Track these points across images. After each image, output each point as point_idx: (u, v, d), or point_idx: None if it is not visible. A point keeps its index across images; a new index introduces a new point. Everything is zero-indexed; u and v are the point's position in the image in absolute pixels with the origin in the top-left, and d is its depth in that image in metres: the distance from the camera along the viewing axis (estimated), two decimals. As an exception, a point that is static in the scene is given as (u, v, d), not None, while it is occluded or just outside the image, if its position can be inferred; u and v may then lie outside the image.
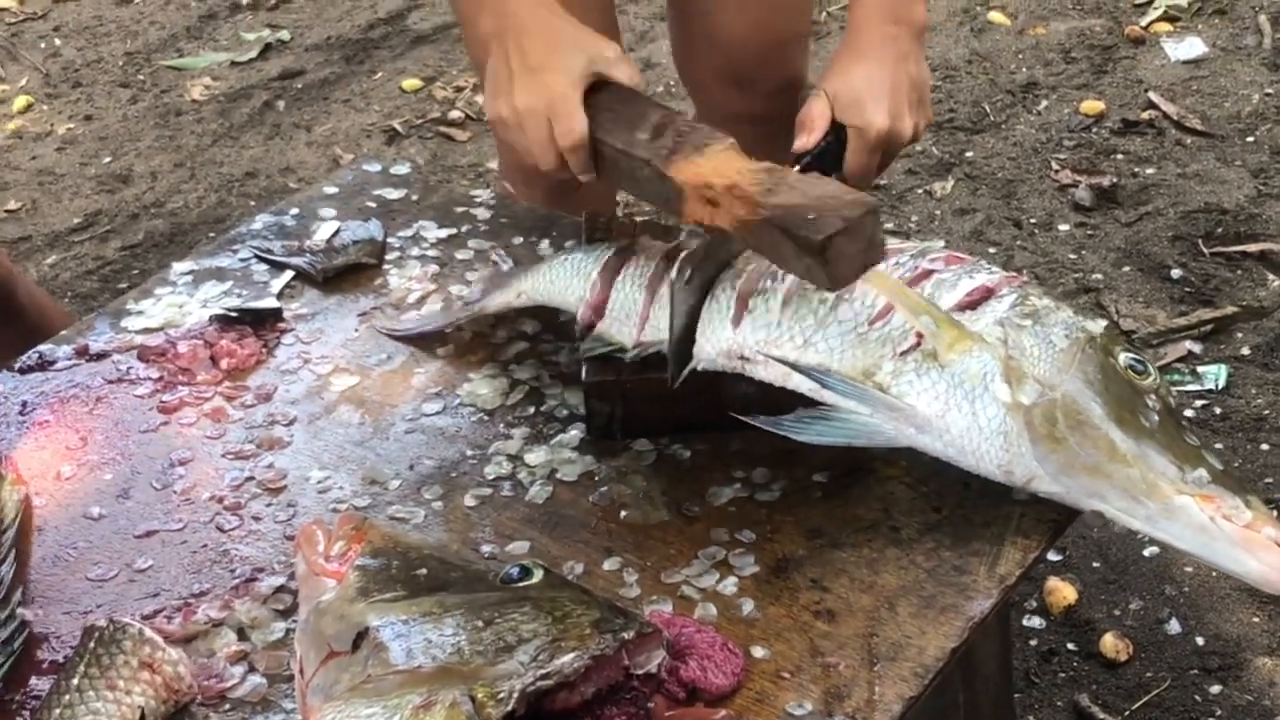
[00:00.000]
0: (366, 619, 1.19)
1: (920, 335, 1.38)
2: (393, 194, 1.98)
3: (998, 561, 1.34)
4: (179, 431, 1.60)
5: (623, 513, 1.45)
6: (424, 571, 1.27)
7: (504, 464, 1.52)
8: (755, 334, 1.44)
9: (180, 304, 1.78)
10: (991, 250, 2.99)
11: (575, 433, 1.54)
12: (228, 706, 1.28)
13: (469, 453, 1.54)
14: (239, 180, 3.60)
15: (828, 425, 1.39)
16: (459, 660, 1.14)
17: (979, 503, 1.39)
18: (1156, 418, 1.36)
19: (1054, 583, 2.24)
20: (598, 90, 1.54)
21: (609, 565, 1.39)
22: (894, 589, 1.32)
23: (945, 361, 1.37)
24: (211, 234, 3.29)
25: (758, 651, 1.27)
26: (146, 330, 1.75)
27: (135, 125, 3.91)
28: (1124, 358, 1.39)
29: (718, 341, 1.46)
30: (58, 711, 1.24)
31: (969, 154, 3.33)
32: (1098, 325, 1.41)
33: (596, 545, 1.41)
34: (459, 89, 3.87)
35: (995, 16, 3.85)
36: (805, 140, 1.60)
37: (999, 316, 1.40)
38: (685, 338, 1.47)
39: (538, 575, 1.25)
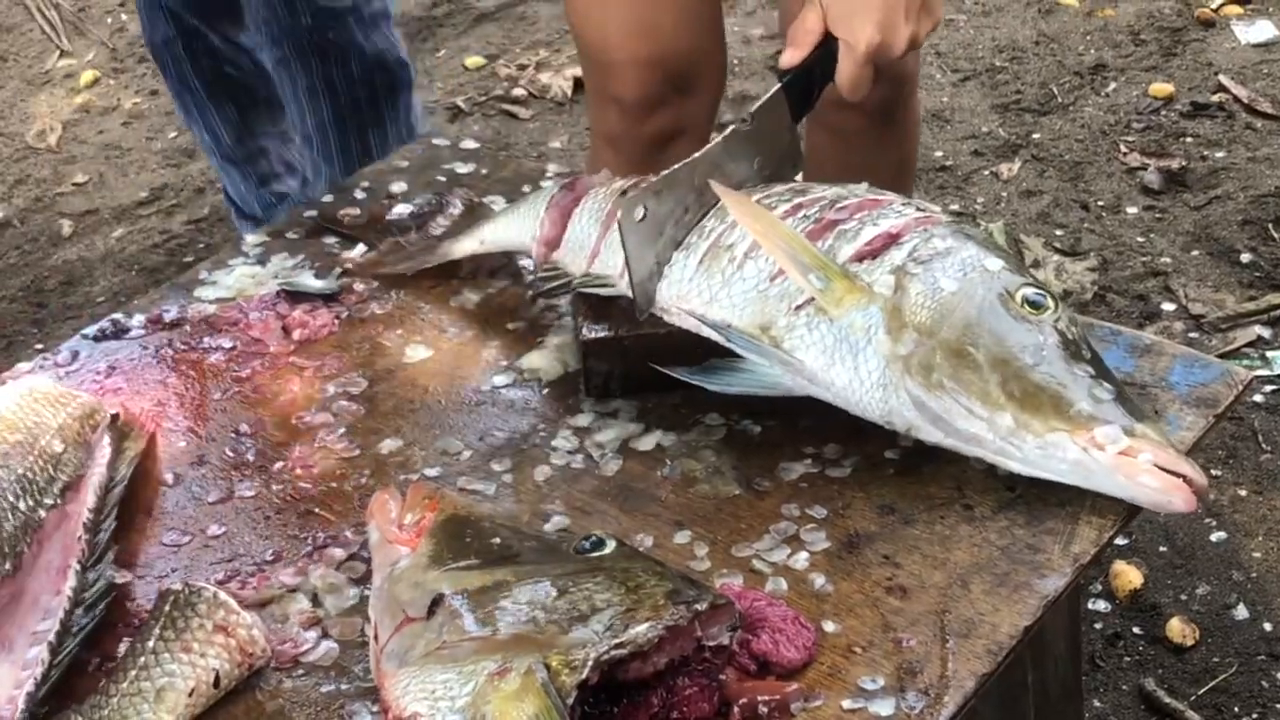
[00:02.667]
0: (441, 586, 1.20)
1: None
2: (462, 168, 1.98)
3: (1072, 540, 1.32)
4: (251, 400, 1.62)
5: (693, 487, 1.44)
6: (497, 541, 1.27)
7: (574, 437, 1.52)
8: (671, 289, 1.50)
9: (252, 274, 1.79)
10: (1059, 232, 2.97)
11: (644, 404, 1.54)
12: (301, 671, 1.29)
13: (539, 425, 1.54)
14: (303, 156, 3.62)
15: (734, 375, 1.43)
16: (533, 628, 1.14)
17: (1054, 481, 1.38)
18: (1045, 353, 1.35)
19: (1120, 566, 2.22)
20: None
21: (679, 539, 1.38)
22: (967, 566, 1.31)
23: (834, 316, 1.39)
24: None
25: (829, 626, 1.27)
26: (219, 300, 1.76)
27: (201, 100, 3.93)
28: (1022, 292, 1.39)
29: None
30: (133, 673, 1.25)
31: (1036, 135, 3.30)
32: (996, 263, 1.41)
33: (667, 519, 1.41)
34: (522, 67, 3.87)
35: (1064, -2, 3.82)
36: (790, 56, 1.60)
37: (895, 264, 1.41)
38: (646, 275, 1.50)
39: (610, 546, 1.25)
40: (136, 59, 4.17)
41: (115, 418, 1.53)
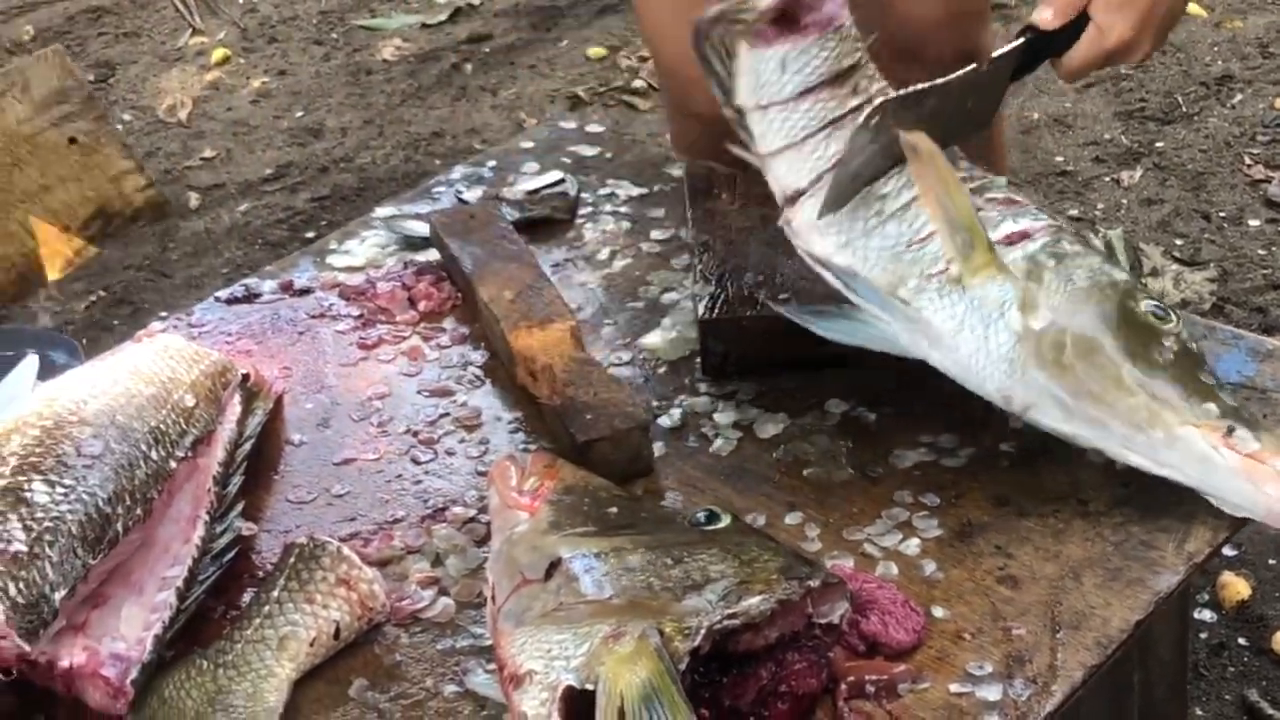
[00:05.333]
0: (559, 550, 1.23)
1: (950, 262, 1.40)
2: (587, 151, 2.01)
3: (1187, 539, 1.32)
4: (377, 367, 1.66)
5: (805, 470, 1.46)
6: (614, 510, 1.30)
7: (689, 416, 1.54)
8: (807, 215, 1.46)
9: (382, 245, 1.83)
10: (1179, 242, 2.94)
11: (760, 387, 1.56)
12: (418, 628, 1.32)
13: (655, 403, 1.56)
14: (425, 139, 3.67)
15: (851, 324, 1.43)
16: (648, 595, 1.16)
17: (1169, 480, 1.38)
18: (1171, 356, 1.35)
19: (1227, 577, 2.20)
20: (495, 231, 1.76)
21: (791, 519, 1.40)
22: (1079, 560, 1.32)
23: (968, 285, 1.39)
24: (396, 190, 3.36)
25: (938, 612, 1.28)
26: (349, 269, 1.81)
27: (327, 82, 4.01)
28: (1145, 304, 1.39)
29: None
30: (257, 621, 1.29)
31: (1159, 144, 3.27)
32: (1123, 274, 1.42)
33: (779, 499, 1.43)
34: (643, 59, 3.90)
35: (1192, 7, 3.78)
36: (1045, 17, 1.57)
37: (1028, 253, 1.41)
38: (851, 177, 1.45)
39: (726, 520, 1.27)
40: (266, 40, 4.25)
41: (245, 378, 1.58)
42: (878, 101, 1.44)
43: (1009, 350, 1.37)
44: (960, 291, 1.40)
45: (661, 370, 1.61)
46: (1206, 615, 2.17)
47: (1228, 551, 2.24)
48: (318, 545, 1.33)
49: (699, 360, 1.59)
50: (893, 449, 1.46)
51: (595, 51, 3.97)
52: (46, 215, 1.97)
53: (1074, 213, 3.07)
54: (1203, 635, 2.14)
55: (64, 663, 1.23)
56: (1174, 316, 1.39)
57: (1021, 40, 1.56)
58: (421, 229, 1.83)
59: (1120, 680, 1.48)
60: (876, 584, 1.28)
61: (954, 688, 1.20)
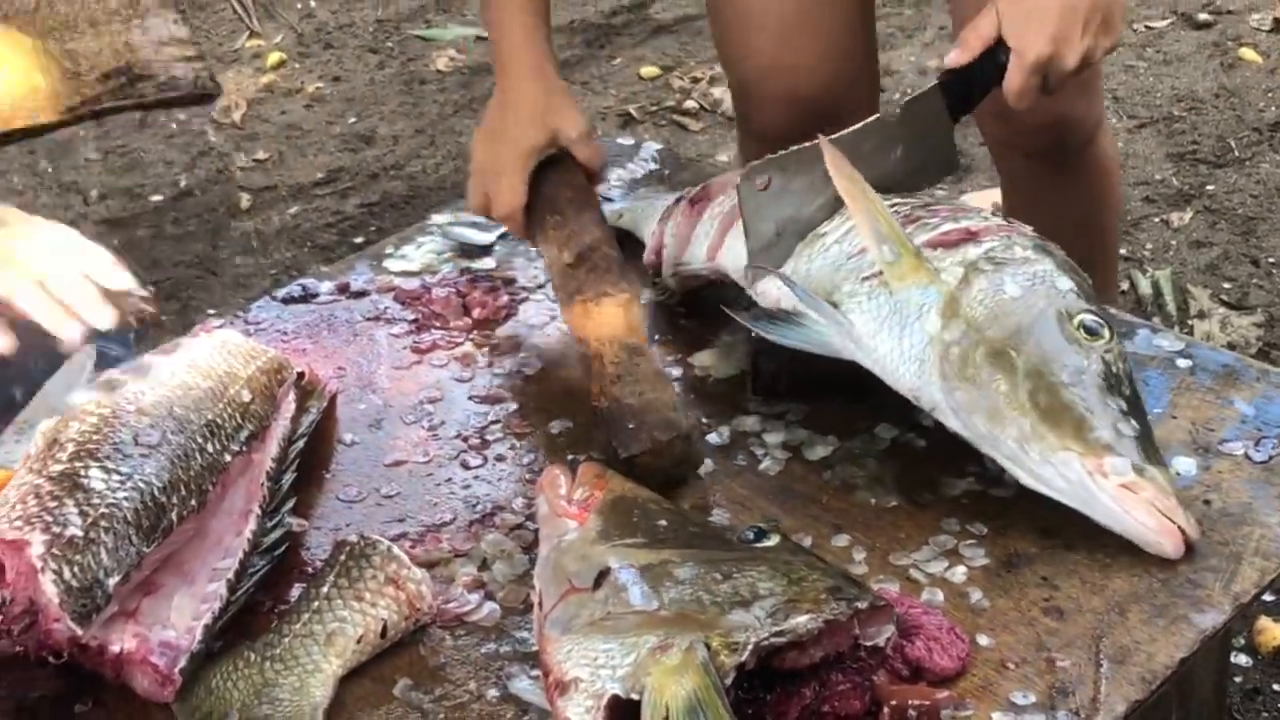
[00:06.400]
0: (608, 560, 1.23)
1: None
2: (644, 168, 2.02)
3: (1234, 579, 1.32)
4: (430, 371, 1.67)
5: (853, 494, 1.46)
6: (664, 523, 1.31)
7: (739, 435, 1.55)
8: (764, 286, 1.55)
9: (438, 251, 1.85)
10: (1226, 285, 2.94)
11: (810, 409, 1.56)
12: (463, 631, 1.33)
13: (705, 421, 1.57)
14: (476, 150, 3.69)
15: (790, 328, 1.48)
16: (697, 608, 1.17)
17: (1218, 521, 1.38)
18: (1084, 376, 1.37)
19: (1264, 622, 2.19)
20: (561, 168, 1.74)
21: (838, 541, 1.40)
22: (1125, 594, 1.32)
23: (895, 289, 1.43)
24: (446, 199, 3.38)
25: (983, 640, 1.28)
26: (405, 274, 1.82)
27: (381, 89, 4.04)
28: (1080, 317, 1.40)
29: (736, 258, 1.59)
30: (306, 616, 1.30)
31: (1210, 187, 3.26)
32: (1067, 283, 1.43)
33: (826, 521, 1.43)
34: (695, 80, 3.91)
35: (1247, 53, 3.77)
36: (956, 56, 1.61)
37: (968, 259, 1.44)
38: (762, 245, 1.54)
39: (775, 539, 1.28)
40: (322, 45, 4.28)
41: (300, 376, 1.59)
42: (749, 166, 1.54)
43: (920, 352, 1.41)
44: (887, 295, 1.44)
45: (712, 388, 1.62)
46: (1242, 660, 2.15)
47: (1266, 597, 2.23)
48: (368, 544, 1.34)
49: (750, 380, 1.60)
50: (941, 476, 1.47)
51: (648, 71, 3.98)
52: (64, 55, 1.89)
53: (1122, 252, 3.06)
54: (1237, 679, 2.13)
55: (114, 648, 1.24)
56: (1107, 333, 1.41)
57: (934, 84, 1.59)
58: (479, 237, 1.85)
59: (1160, 719, 1.48)
60: (922, 609, 1.29)
61: (997, 716, 1.20)
